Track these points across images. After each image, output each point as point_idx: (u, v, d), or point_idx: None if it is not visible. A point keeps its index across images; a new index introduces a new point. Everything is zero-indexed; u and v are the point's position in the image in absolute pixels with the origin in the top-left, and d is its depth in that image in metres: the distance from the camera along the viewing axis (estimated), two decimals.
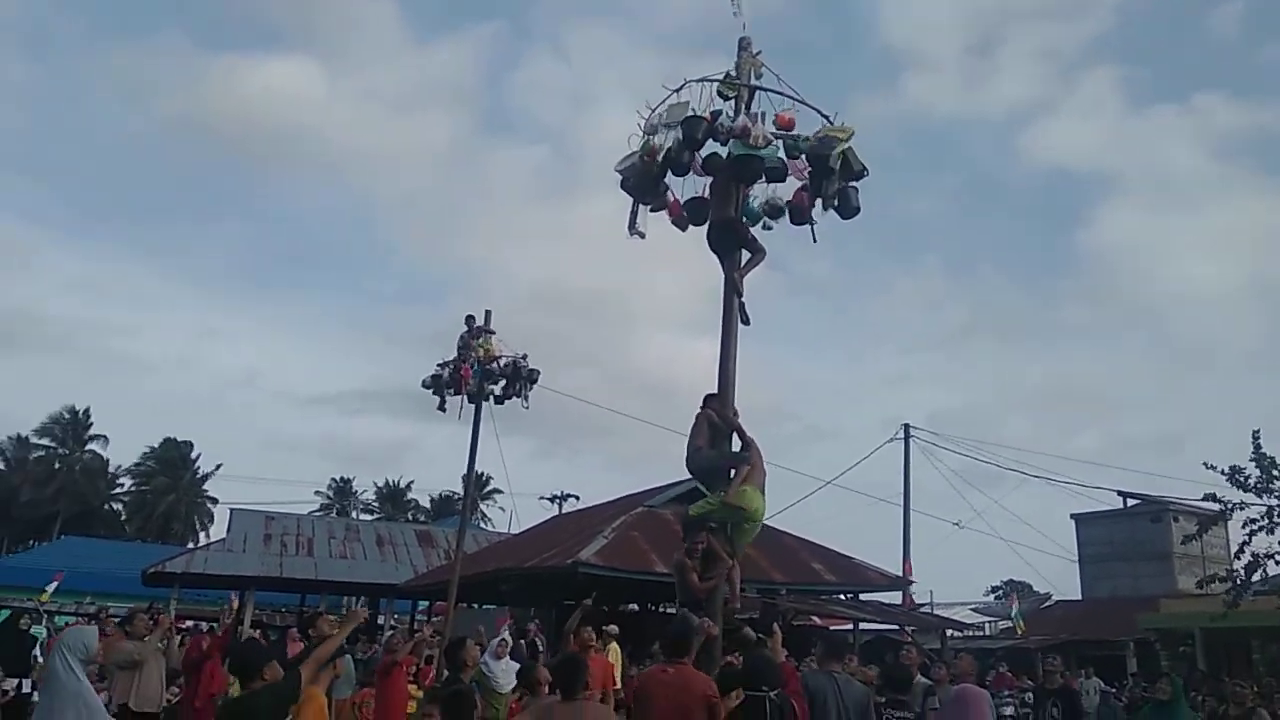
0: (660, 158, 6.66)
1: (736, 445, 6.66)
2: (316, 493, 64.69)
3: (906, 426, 27.21)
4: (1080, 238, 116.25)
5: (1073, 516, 35.81)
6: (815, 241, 7.10)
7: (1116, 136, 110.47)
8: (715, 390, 6.71)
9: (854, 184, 6.73)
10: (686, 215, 7.09)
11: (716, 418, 6.61)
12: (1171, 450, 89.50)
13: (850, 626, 22.15)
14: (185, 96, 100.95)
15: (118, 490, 62.08)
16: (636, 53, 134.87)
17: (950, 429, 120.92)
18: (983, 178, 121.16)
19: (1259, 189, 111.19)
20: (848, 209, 6.77)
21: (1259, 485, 14.78)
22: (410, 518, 61.21)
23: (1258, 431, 14.76)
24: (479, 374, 14.40)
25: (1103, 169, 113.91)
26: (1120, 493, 32.89)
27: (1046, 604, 36.71)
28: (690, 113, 6.56)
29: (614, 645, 11.76)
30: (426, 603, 28.76)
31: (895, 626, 20.82)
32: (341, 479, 67.13)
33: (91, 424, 59.32)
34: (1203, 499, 15.79)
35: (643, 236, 7.08)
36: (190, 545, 46.67)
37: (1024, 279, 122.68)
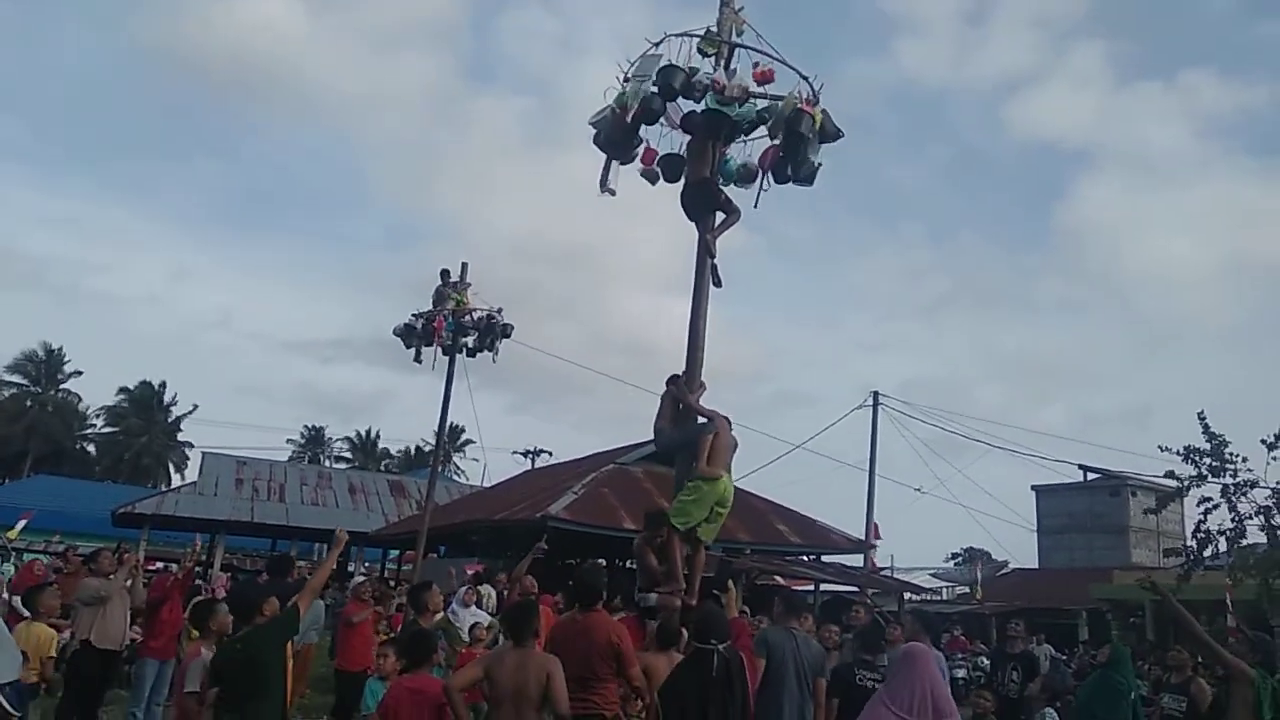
0: (633, 111, 6.64)
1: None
2: (289, 440, 64.71)
3: (875, 394, 27.51)
4: (1059, 211, 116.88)
5: (1034, 488, 36.54)
6: (756, 207, 7.09)
7: (1102, 111, 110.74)
8: (684, 363, 6.69)
9: (819, 161, 6.75)
10: (660, 170, 7.10)
11: (679, 397, 6.64)
12: (1137, 426, 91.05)
13: (811, 587, 22.58)
14: (161, 28, 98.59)
15: (89, 430, 61.64)
16: (626, 2, 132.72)
17: (923, 397, 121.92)
18: (968, 147, 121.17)
19: (1239, 169, 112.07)
20: (806, 178, 6.81)
21: (1213, 466, 15.16)
22: (384, 468, 61.25)
23: (1203, 413, 15.11)
24: (452, 326, 14.41)
25: (1086, 144, 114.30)
26: (1081, 466, 33.54)
27: (1003, 571, 37.54)
28: (665, 63, 6.54)
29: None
30: (397, 551, 28.95)
31: (855, 588, 21.23)
32: (314, 427, 67.14)
33: (67, 362, 58.72)
34: (1164, 475, 16.14)
35: (613, 194, 7.10)
36: (162, 487, 46.51)
37: (1004, 251, 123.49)
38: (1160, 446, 15.41)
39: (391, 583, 18.86)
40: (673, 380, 6.74)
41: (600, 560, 23.14)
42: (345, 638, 9.35)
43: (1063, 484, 34.47)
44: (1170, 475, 16.00)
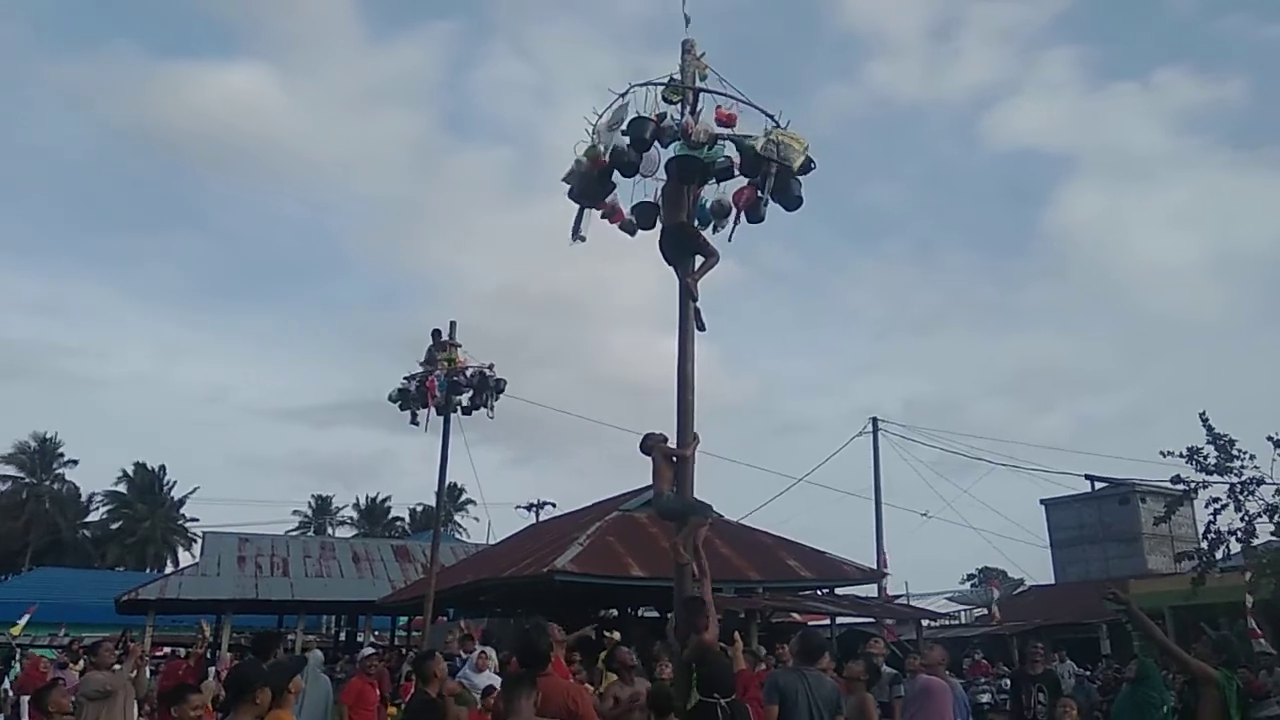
0: (606, 160, 6.70)
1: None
2: (295, 512, 64.31)
3: (874, 420, 27.48)
4: (1043, 219, 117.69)
5: (1042, 502, 36.33)
6: (730, 241, 7.08)
7: (1077, 116, 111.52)
8: (675, 413, 6.52)
9: (798, 178, 6.79)
10: (635, 220, 7.15)
11: (664, 456, 6.40)
12: (1140, 429, 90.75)
13: (827, 621, 22.35)
14: (135, 106, 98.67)
15: (91, 519, 61.25)
16: (598, 50, 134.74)
17: (926, 415, 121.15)
18: (945, 162, 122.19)
19: (1220, 163, 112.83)
20: (790, 201, 6.82)
21: (1218, 465, 15.11)
22: (393, 532, 60.87)
23: (1204, 413, 15.09)
24: (445, 387, 14.42)
25: (1064, 149, 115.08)
26: (1088, 476, 33.40)
27: (1020, 590, 37.19)
28: (634, 115, 6.62)
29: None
30: (405, 618, 28.60)
31: (871, 619, 21.02)
32: (320, 497, 66.87)
33: (61, 452, 58.48)
34: (1171, 480, 16.07)
35: (584, 240, 7.14)
36: (166, 571, 46.09)
37: (991, 262, 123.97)
38: (1163, 452, 15.37)
39: (403, 650, 18.62)
40: (657, 439, 6.48)
41: (613, 611, 22.97)
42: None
43: (1071, 495, 34.29)
44: (1176, 479, 15.94)
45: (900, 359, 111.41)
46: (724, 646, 6.42)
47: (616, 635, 11.45)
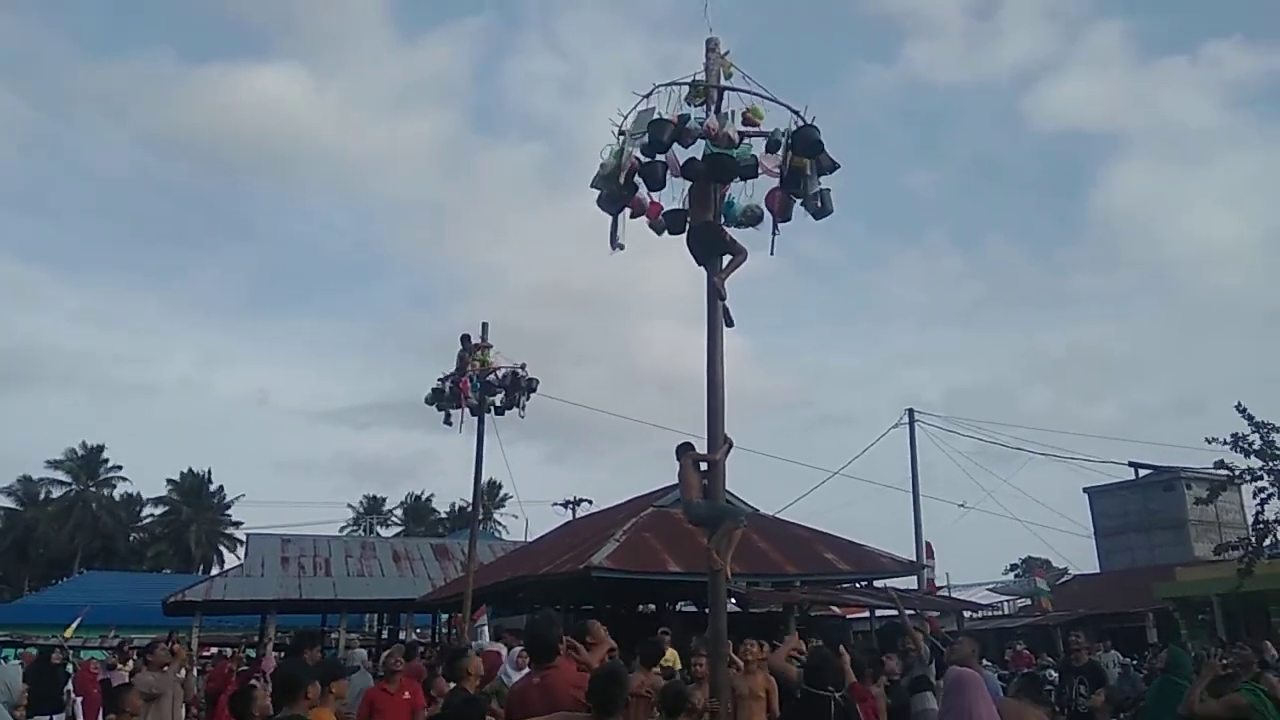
0: (633, 168, 6.70)
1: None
2: (350, 506, 65.81)
3: (911, 411, 27.19)
4: (1090, 201, 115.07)
5: (1085, 490, 35.81)
6: (772, 254, 7.06)
7: (1125, 93, 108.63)
8: (705, 416, 6.49)
9: (825, 186, 6.76)
10: (665, 222, 7.14)
11: (693, 463, 6.36)
12: (1189, 416, 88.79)
13: (867, 614, 22.20)
14: (171, 114, 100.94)
15: (144, 522, 62.67)
16: (628, 39, 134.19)
17: (968, 405, 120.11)
18: (988, 146, 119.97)
19: (1272, 137, 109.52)
20: (822, 211, 6.80)
21: (1263, 451, 14.87)
22: (438, 530, 61.67)
23: (1241, 404, 14.91)
24: (478, 388, 14.52)
25: (1112, 128, 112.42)
26: (1132, 464, 32.84)
27: (1064, 579, 36.69)
28: (655, 117, 6.60)
29: (670, 651, 11.24)
30: (446, 615, 28.88)
31: (911, 612, 20.83)
32: (372, 497, 68.09)
33: (107, 460, 59.84)
34: (1214, 465, 15.84)
35: (623, 248, 7.14)
36: (212, 573, 46.99)
37: (1036, 248, 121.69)
38: (1207, 438, 15.14)
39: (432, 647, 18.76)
40: (687, 449, 6.44)
41: (650, 606, 23.02)
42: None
43: (1115, 483, 33.77)
44: (1220, 465, 15.69)
45: (943, 349, 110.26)
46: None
47: (667, 634, 11.43)
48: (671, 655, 10.87)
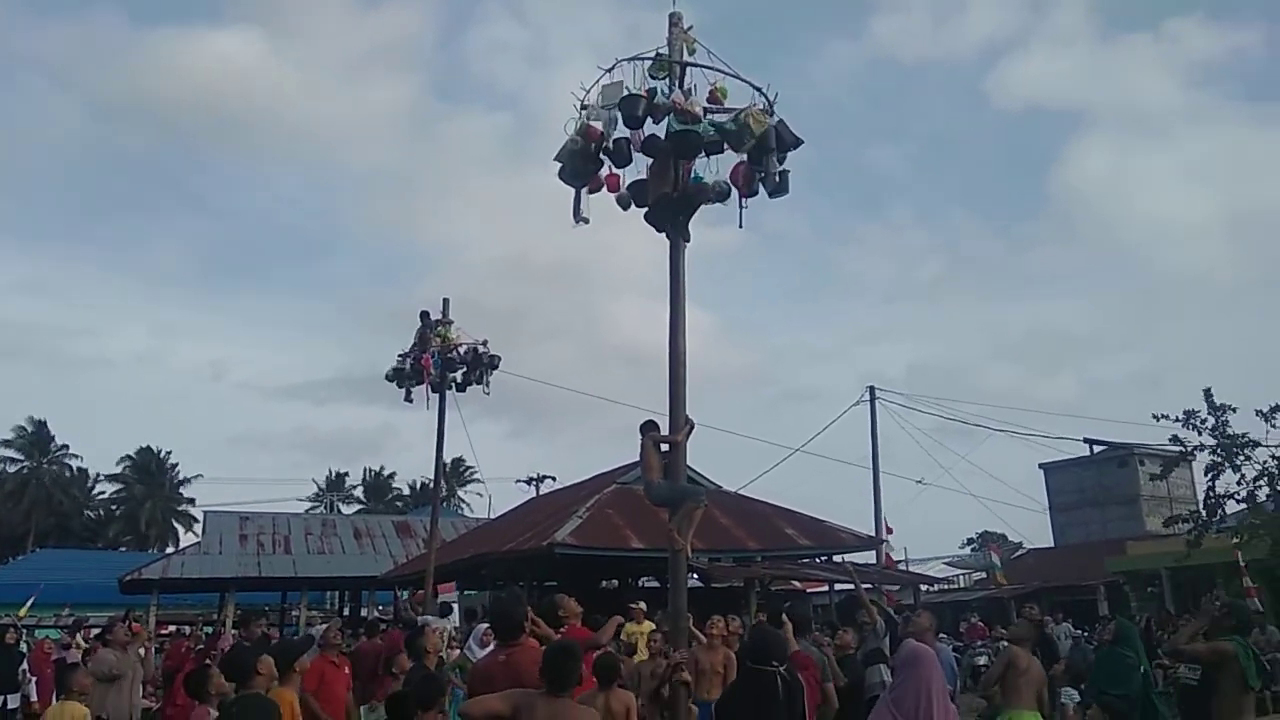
0: (599, 140, 6.65)
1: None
2: (314, 481, 65.18)
3: (871, 389, 27.45)
4: (1052, 178, 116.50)
5: (1041, 466, 36.50)
6: (741, 227, 7.06)
7: (1087, 70, 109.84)
8: (667, 396, 6.48)
9: (784, 167, 6.75)
10: (630, 194, 7.10)
11: (654, 444, 6.38)
12: (1147, 392, 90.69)
13: (825, 588, 22.54)
14: (122, 79, 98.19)
15: (97, 498, 61.54)
16: (593, 6, 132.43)
17: (931, 382, 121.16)
18: (952, 122, 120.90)
19: (1234, 117, 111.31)
20: (778, 191, 6.81)
21: (1214, 429, 15.24)
22: (397, 506, 61.27)
23: (1209, 390, 15.25)
24: (439, 364, 14.40)
25: (1075, 104, 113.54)
26: (1086, 440, 33.52)
27: (1019, 553, 37.49)
28: (625, 92, 6.54)
29: (646, 623, 11.15)
30: (406, 593, 28.81)
31: (868, 585, 21.21)
32: (336, 473, 67.36)
33: (55, 434, 58.57)
34: (1169, 441, 16.18)
35: (587, 222, 7.08)
36: (168, 551, 46.36)
37: (998, 224, 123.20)
38: (1155, 415, 15.49)
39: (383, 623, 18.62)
40: (650, 427, 6.46)
41: (613, 582, 23.12)
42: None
43: (1070, 459, 34.44)
44: (1174, 440, 16.03)
45: (906, 325, 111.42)
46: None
47: (642, 605, 11.55)
48: (646, 626, 11.02)
